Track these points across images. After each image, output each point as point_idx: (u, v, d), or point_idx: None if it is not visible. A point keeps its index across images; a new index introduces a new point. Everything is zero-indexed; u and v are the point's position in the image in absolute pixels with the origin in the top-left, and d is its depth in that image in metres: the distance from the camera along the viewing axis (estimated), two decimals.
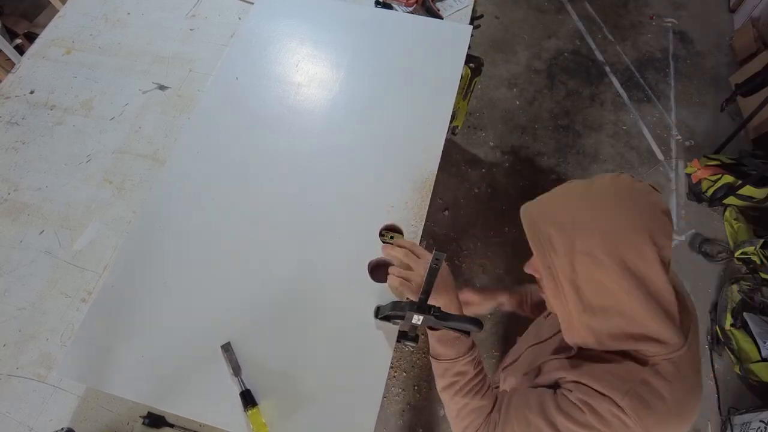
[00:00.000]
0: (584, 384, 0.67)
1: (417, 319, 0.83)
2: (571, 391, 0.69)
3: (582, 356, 0.72)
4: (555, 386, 0.74)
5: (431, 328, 0.87)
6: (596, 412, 0.64)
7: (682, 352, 0.66)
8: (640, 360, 0.67)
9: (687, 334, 0.67)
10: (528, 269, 0.76)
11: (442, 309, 0.85)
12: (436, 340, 0.86)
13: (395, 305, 0.88)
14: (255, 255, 1.04)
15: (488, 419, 0.79)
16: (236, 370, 0.90)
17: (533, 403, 0.72)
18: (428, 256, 0.91)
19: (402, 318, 0.86)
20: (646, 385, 0.64)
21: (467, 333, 0.87)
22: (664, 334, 0.63)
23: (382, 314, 0.91)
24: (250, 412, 0.86)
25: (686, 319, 0.68)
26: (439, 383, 0.86)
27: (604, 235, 0.61)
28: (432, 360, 0.87)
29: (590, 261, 0.61)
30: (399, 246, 0.96)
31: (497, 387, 1.00)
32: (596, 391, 0.66)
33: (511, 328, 2.03)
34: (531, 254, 0.72)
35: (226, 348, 0.93)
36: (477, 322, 0.83)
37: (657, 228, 0.61)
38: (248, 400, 0.87)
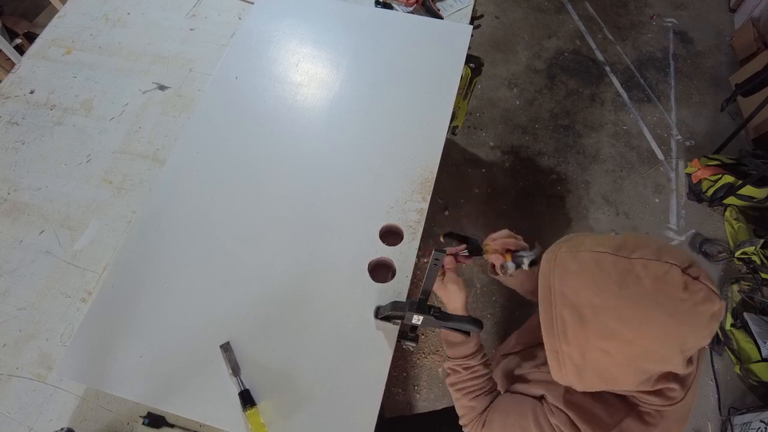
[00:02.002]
0: (566, 414, 0.68)
1: (417, 319, 0.83)
2: (552, 413, 0.70)
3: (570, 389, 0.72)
4: (540, 398, 0.76)
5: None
6: None
7: (676, 406, 0.64)
8: (630, 402, 0.66)
9: (688, 388, 0.64)
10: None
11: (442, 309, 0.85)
12: (443, 337, 0.90)
13: (395, 305, 0.88)
14: (254, 255, 1.04)
15: (478, 418, 0.84)
16: (235, 370, 0.90)
17: (514, 412, 0.77)
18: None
19: (402, 318, 0.86)
20: (624, 431, 0.64)
21: (467, 333, 0.87)
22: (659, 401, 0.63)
23: (382, 314, 0.91)
24: (248, 412, 0.86)
25: (693, 373, 0.65)
26: (446, 372, 0.91)
27: (627, 342, 0.55)
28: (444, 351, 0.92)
29: (605, 358, 0.57)
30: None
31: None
32: (575, 425, 0.66)
33: (510, 328, 2.03)
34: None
35: (226, 348, 0.93)
36: (477, 322, 0.83)
37: (696, 338, 0.54)
38: (247, 400, 0.87)
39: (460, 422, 0.88)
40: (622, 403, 0.66)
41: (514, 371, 0.90)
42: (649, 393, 0.62)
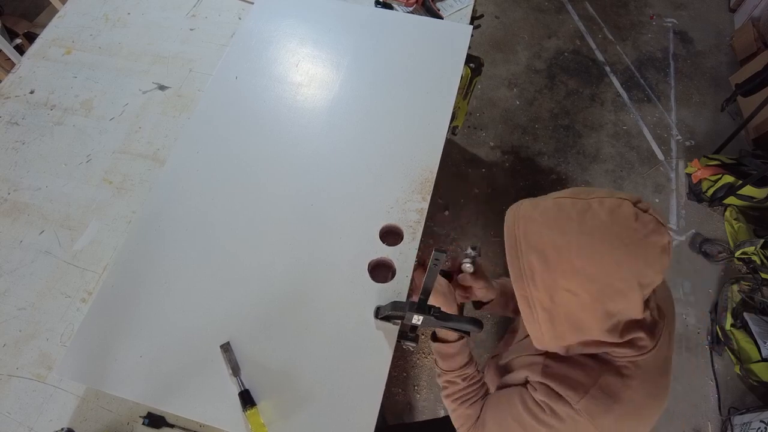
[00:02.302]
0: (547, 385, 0.72)
1: (417, 319, 0.83)
2: (536, 390, 0.73)
3: (548, 355, 0.76)
4: (523, 384, 0.79)
5: (433, 339, 0.91)
6: (555, 413, 0.69)
7: (648, 355, 0.67)
8: (604, 360, 0.69)
9: (658, 338, 0.67)
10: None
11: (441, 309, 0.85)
12: (434, 351, 0.91)
13: (395, 305, 0.88)
14: (254, 255, 1.04)
15: (474, 425, 0.86)
16: (235, 370, 0.90)
17: (504, 405, 0.79)
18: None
19: (402, 318, 0.86)
20: (605, 389, 0.67)
21: (467, 333, 0.87)
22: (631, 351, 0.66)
23: (382, 314, 0.91)
24: (248, 412, 0.86)
25: (660, 323, 0.69)
26: (439, 384, 0.93)
27: (589, 278, 0.59)
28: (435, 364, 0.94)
29: (571, 298, 0.61)
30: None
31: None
32: (556, 392, 0.70)
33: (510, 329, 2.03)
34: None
35: (226, 348, 0.93)
36: (477, 322, 0.83)
37: (648, 271, 0.58)
38: (247, 400, 0.87)
39: (458, 431, 0.90)
40: (597, 362, 0.69)
41: (499, 365, 0.92)
42: (619, 345, 0.65)
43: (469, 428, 0.86)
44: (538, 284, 0.62)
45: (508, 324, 2.02)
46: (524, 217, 0.65)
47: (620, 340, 0.64)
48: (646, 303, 0.64)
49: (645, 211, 0.59)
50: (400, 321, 0.91)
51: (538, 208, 0.65)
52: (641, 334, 0.64)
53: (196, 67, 1.39)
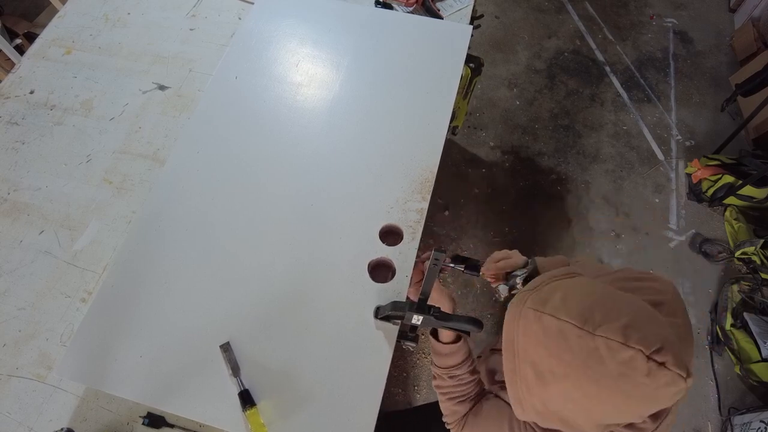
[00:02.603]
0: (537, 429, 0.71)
1: (417, 319, 0.83)
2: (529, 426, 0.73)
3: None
4: None
5: (432, 333, 0.91)
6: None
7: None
8: None
9: (662, 419, 0.64)
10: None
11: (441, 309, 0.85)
12: (431, 345, 0.92)
13: (395, 305, 0.88)
14: (254, 255, 1.04)
15: (460, 420, 0.87)
16: (235, 370, 0.90)
17: (494, 419, 0.79)
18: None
19: (402, 318, 0.86)
20: None
21: (467, 333, 0.87)
22: None
23: (382, 314, 0.91)
24: (248, 412, 0.86)
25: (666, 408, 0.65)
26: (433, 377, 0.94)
27: (589, 411, 0.56)
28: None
29: (566, 411, 0.58)
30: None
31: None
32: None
33: None
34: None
35: (225, 348, 0.93)
36: (477, 322, 0.83)
37: (657, 408, 0.55)
38: (246, 400, 0.87)
39: (444, 419, 0.91)
40: None
41: (495, 374, 0.91)
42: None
43: (454, 422, 0.87)
44: (532, 393, 0.60)
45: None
46: (525, 326, 0.60)
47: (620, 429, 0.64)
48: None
49: (662, 364, 0.51)
50: (400, 321, 0.91)
51: (541, 326, 0.58)
52: (643, 426, 0.63)
53: (196, 67, 1.39)
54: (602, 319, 0.54)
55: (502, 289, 0.93)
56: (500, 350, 0.98)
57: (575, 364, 0.54)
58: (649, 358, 0.51)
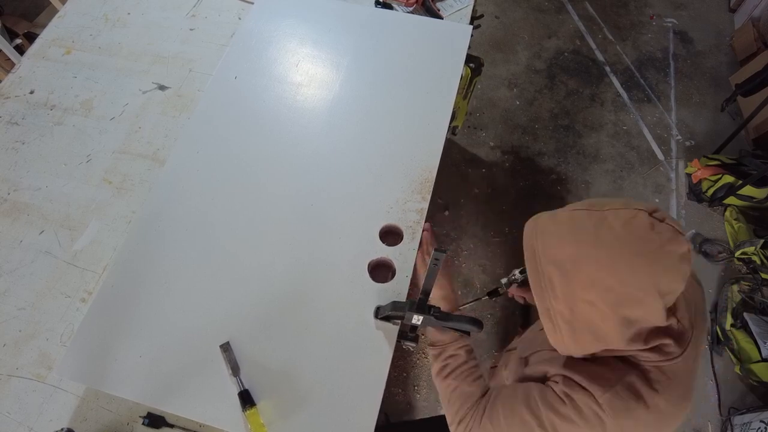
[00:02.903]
0: (569, 377, 0.69)
1: (417, 319, 0.83)
2: (557, 383, 0.71)
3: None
4: (543, 380, 0.76)
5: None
6: (576, 406, 0.66)
7: (675, 362, 0.65)
8: (630, 362, 0.67)
9: (685, 347, 0.66)
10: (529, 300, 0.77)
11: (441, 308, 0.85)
12: (430, 334, 0.90)
13: (395, 305, 0.88)
14: (254, 255, 1.04)
15: (477, 404, 0.80)
16: (235, 370, 0.90)
17: (520, 395, 0.74)
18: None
19: (402, 318, 0.86)
20: (630, 388, 0.65)
21: (467, 333, 0.87)
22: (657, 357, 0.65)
23: (382, 314, 0.91)
24: (248, 412, 0.86)
25: (688, 333, 0.67)
26: (434, 368, 0.89)
27: (607, 290, 0.58)
28: (429, 348, 0.91)
29: (590, 309, 0.60)
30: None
31: (493, 368, 1.06)
32: (579, 385, 0.67)
33: (510, 328, 2.03)
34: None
35: (225, 348, 0.93)
36: (477, 322, 0.83)
37: (668, 279, 0.58)
38: (246, 400, 0.87)
39: (455, 419, 0.82)
40: (623, 363, 0.68)
41: (520, 358, 0.90)
42: (645, 350, 0.64)
43: (470, 409, 0.80)
44: (558, 296, 0.63)
45: (509, 324, 2.03)
46: (542, 231, 0.66)
47: (645, 347, 0.63)
48: (672, 311, 0.63)
49: (661, 221, 0.58)
50: (400, 321, 0.91)
51: (555, 221, 0.65)
52: (667, 341, 0.63)
53: (196, 67, 1.39)
54: (606, 202, 0.63)
55: (503, 282, 0.99)
56: (512, 350, 0.98)
57: (588, 239, 0.60)
58: (650, 214, 0.58)
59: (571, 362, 0.71)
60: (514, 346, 1.02)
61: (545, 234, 0.65)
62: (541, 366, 0.78)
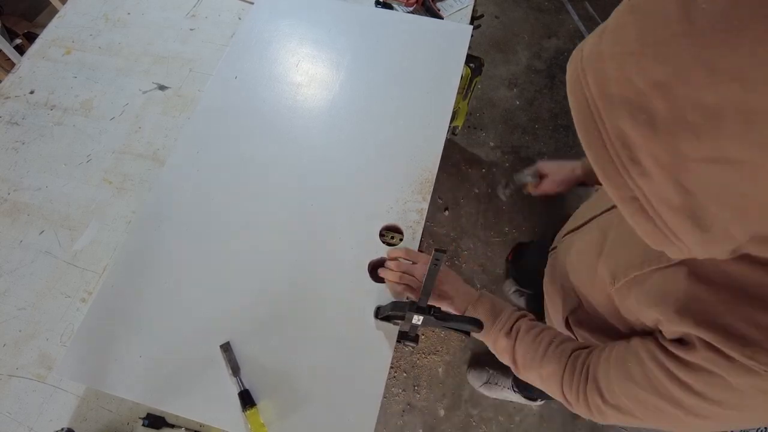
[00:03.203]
0: (708, 342, 0.42)
1: (417, 319, 0.83)
2: (695, 348, 0.44)
3: (696, 274, 0.44)
4: (655, 333, 0.51)
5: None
6: (734, 389, 0.42)
7: None
8: None
9: None
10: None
11: (442, 309, 0.85)
12: (489, 345, 0.80)
13: (395, 305, 0.88)
14: (254, 255, 1.04)
15: (572, 379, 0.60)
16: (235, 370, 0.90)
17: (638, 375, 0.50)
18: (425, 258, 0.92)
19: (402, 318, 0.86)
20: None
21: (467, 333, 0.87)
22: None
23: (383, 314, 0.91)
24: (248, 412, 0.86)
25: None
26: (506, 360, 0.77)
27: (743, 116, 0.28)
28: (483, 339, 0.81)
29: (718, 169, 0.31)
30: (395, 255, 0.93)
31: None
32: (725, 354, 0.41)
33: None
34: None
35: (226, 348, 0.93)
36: (477, 322, 0.83)
37: None
38: (247, 400, 0.87)
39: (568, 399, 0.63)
40: None
41: (610, 289, 0.59)
42: None
43: (565, 385, 0.61)
44: (649, 169, 0.33)
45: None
46: (592, 58, 0.36)
47: None
48: None
49: None
50: (400, 321, 0.91)
51: (606, 35, 0.36)
52: None
53: (196, 67, 1.39)
54: None
55: (501, 191, 0.90)
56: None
57: (676, 29, 0.30)
58: None
59: (701, 305, 0.43)
60: (575, 225, 0.74)
61: (600, 63, 0.35)
62: (647, 311, 0.49)
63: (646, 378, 0.48)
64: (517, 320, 0.75)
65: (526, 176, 0.96)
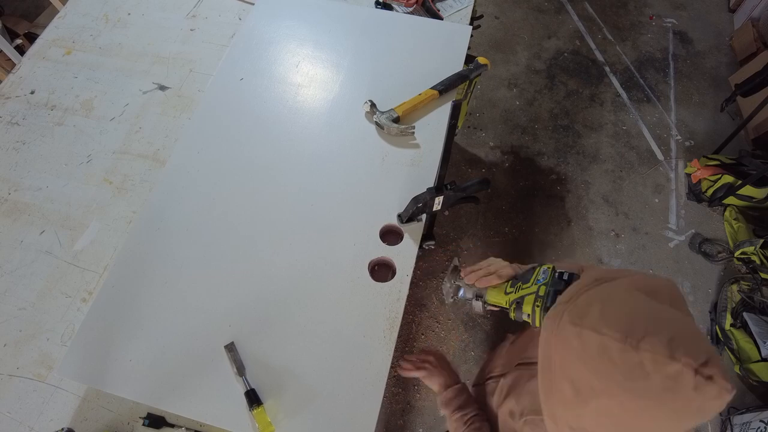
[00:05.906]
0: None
1: (438, 201, 0.95)
2: None
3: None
4: None
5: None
6: None
7: None
8: None
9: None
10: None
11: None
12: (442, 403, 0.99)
13: (415, 199, 0.98)
14: (256, 255, 1.04)
15: None
16: (240, 370, 0.91)
17: None
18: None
19: (425, 208, 0.98)
20: None
21: (475, 199, 0.97)
22: None
23: (407, 215, 1.00)
24: (255, 411, 0.86)
25: None
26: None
27: (623, 425, 0.54)
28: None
29: (601, 427, 0.56)
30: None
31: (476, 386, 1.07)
32: None
33: (509, 329, 2.03)
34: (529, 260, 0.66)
35: (230, 348, 0.93)
36: (485, 181, 0.97)
37: (694, 423, 0.52)
38: (253, 399, 0.88)
39: None
40: None
41: (507, 412, 0.84)
42: None
43: None
44: (567, 407, 0.58)
45: (507, 325, 2.02)
46: (563, 342, 0.58)
47: None
48: None
49: (709, 378, 0.49)
50: (423, 214, 0.98)
51: (579, 338, 0.55)
52: None
53: (197, 68, 1.39)
54: (644, 332, 0.52)
55: (476, 305, 0.81)
56: (526, 365, 0.91)
57: (617, 380, 0.52)
58: (696, 371, 0.49)
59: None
60: (500, 373, 0.95)
61: (566, 349, 0.57)
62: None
63: None
64: (472, 416, 0.93)
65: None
